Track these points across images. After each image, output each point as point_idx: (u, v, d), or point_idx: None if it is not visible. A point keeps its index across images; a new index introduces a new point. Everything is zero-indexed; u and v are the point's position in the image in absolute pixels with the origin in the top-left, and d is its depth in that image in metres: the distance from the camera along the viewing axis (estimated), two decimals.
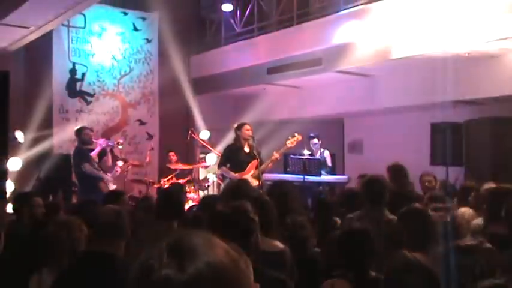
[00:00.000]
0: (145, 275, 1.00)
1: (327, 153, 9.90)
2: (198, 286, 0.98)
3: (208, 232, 1.08)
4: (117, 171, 8.65)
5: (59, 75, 10.86)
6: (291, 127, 9.94)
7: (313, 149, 9.80)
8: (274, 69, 10.42)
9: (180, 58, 11.95)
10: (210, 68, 11.96)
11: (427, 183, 6.89)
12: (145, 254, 1.04)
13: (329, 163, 9.86)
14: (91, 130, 8.84)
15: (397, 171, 6.52)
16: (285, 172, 9.70)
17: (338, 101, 10.51)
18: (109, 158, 8.88)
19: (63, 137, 10.50)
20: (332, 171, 9.88)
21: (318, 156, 9.68)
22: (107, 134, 10.96)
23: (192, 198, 9.32)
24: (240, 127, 8.01)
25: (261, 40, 10.81)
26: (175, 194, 4.50)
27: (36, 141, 10.07)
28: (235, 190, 4.03)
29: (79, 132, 8.58)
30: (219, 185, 9.61)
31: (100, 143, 8.81)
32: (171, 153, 10.47)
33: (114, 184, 8.42)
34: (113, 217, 3.09)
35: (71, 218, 3.51)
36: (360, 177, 7.42)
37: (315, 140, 9.81)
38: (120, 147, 9.23)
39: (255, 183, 7.64)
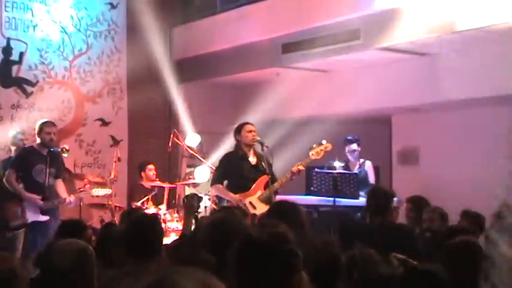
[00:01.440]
0: None
1: (368, 165, 9.89)
2: None
3: (208, 271, 1.15)
4: (70, 201, 8.68)
5: None
6: (316, 129, 9.95)
7: (351, 158, 9.80)
8: (292, 46, 10.43)
9: (157, 31, 12.00)
10: (200, 44, 11.99)
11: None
12: None
13: (371, 179, 9.86)
14: (54, 129, 8.85)
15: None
16: (308, 193, 9.76)
17: (383, 90, 10.50)
18: None
19: None
20: None
21: (356, 169, 9.67)
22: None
23: (176, 230, 9.33)
24: (239, 129, 8.09)
25: (273, 4, 10.84)
26: (151, 224, 4.53)
27: None
28: (221, 228, 4.00)
29: (40, 128, 8.69)
30: (213, 210, 9.60)
31: None
32: (149, 166, 10.54)
33: (37, 210, 8.38)
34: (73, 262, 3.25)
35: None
36: (408, 201, 7.42)
37: (354, 146, 9.80)
38: (65, 155, 9.28)
39: (263, 208, 7.67)
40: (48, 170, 8.55)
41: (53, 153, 8.70)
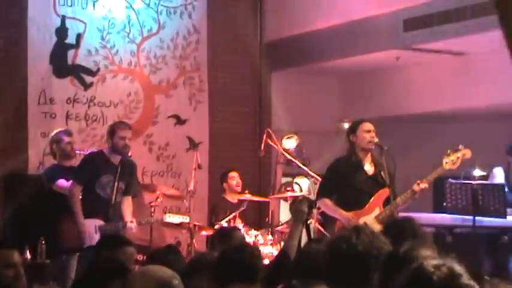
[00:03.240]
0: None
1: None
2: None
3: None
4: (131, 228, 8.60)
5: (39, 40, 11.11)
6: (450, 128, 9.75)
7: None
8: (417, 22, 10.28)
9: (245, 5, 12.08)
10: (299, 21, 11.95)
11: None
12: None
13: None
14: (130, 133, 8.68)
15: None
16: (438, 210, 9.72)
17: None
18: None
19: (46, 147, 10.55)
20: None
21: (499, 178, 9.45)
22: None
23: (270, 256, 9.30)
24: (354, 128, 8.03)
25: None
26: (249, 249, 4.78)
27: None
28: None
29: (112, 130, 8.58)
30: (318, 231, 9.53)
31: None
32: (233, 174, 10.52)
33: (96, 232, 8.31)
34: None
35: None
36: None
37: None
38: None
39: None
40: (117, 183, 8.43)
41: (126, 163, 8.60)
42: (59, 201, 8.68)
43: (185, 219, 9.30)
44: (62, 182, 8.84)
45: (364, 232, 3.79)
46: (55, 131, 9.58)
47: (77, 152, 9.34)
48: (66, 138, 9.31)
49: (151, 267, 3.69)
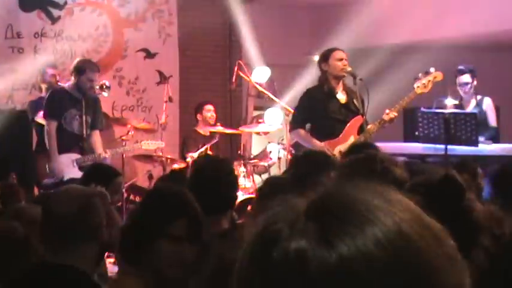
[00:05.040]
0: (263, 248, 1.09)
1: (488, 103, 9.72)
2: (356, 273, 1.03)
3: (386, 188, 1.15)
4: (104, 158, 8.66)
5: None
6: (418, 57, 9.80)
7: (462, 94, 9.67)
8: None
9: None
10: None
11: None
12: (266, 219, 1.13)
13: (492, 121, 9.70)
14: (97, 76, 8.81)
15: None
16: (409, 139, 9.78)
17: (506, 7, 10.27)
18: None
19: (14, 81, 10.69)
20: (497, 135, 9.69)
21: (471, 108, 9.53)
22: None
23: (241, 186, 9.33)
24: (326, 56, 8.02)
25: None
26: (223, 169, 4.73)
27: None
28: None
29: (81, 69, 8.54)
30: (291, 163, 9.59)
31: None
32: (208, 107, 10.54)
33: (74, 165, 8.39)
34: (74, 208, 3.37)
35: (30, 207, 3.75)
36: None
37: (466, 78, 9.62)
38: (105, 94, 9.29)
39: None
40: (84, 117, 8.52)
41: (90, 97, 8.66)
42: (32, 135, 8.76)
43: (161, 144, 9.34)
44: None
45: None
46: (43, 67, 9.76)
47: (60, 84, 9.30)
48: (50, 71, 9.51)
49: (72, 185, 3.79)
